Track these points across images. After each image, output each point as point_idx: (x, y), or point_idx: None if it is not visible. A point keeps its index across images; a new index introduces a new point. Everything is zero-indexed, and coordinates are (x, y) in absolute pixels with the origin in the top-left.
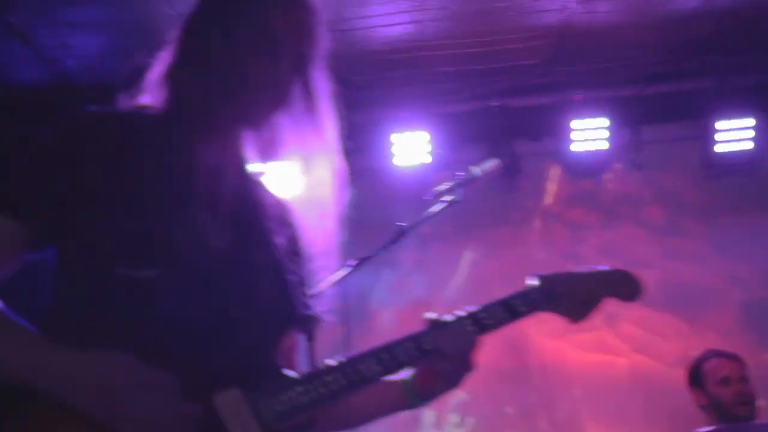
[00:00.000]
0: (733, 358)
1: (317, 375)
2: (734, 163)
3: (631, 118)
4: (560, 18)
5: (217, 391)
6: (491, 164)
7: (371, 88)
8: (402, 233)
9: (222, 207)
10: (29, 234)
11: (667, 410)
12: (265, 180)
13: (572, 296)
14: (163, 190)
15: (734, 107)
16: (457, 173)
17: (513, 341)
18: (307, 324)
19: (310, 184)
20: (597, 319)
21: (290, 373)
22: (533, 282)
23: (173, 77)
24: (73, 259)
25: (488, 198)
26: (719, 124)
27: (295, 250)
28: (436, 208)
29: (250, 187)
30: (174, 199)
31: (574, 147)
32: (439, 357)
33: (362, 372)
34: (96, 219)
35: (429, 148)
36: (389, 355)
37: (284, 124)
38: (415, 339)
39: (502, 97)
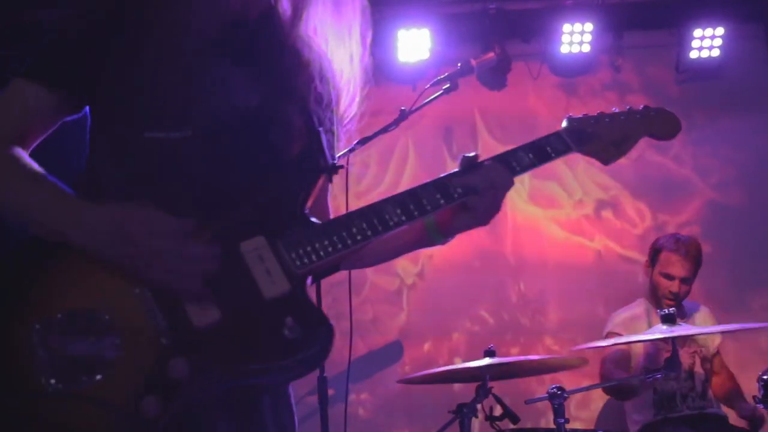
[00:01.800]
0: (686, 256)
1: (342, 222)
2: (704, 68)
3: (615, 23)
4: None
5: (242, 239)
6: (485, 60)
7: None
8: (404, 115)
9: (252, 63)
10: (64, 99)
11: (625, 293)
12: (297, 39)
13: (604, 137)
14: (192, 47)
15: (708, 17)
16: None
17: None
18: (333, 173)
19: (337, 46)
20: (573, 205)
21: (315, 221)
22: (563, 124)
23: None
24: (104, 122)
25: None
26: (695, 33)
27: (325, 105)
28: (434, 95)
29: (281, 42)
30: (203, 57)
31: (563, 49)
32: (471, 193)
33: (386, 221)
34: (125, 80)
35: (429, 44)
36: (414, 203)
37: None
38: (442, 184)
39: (499, 0)
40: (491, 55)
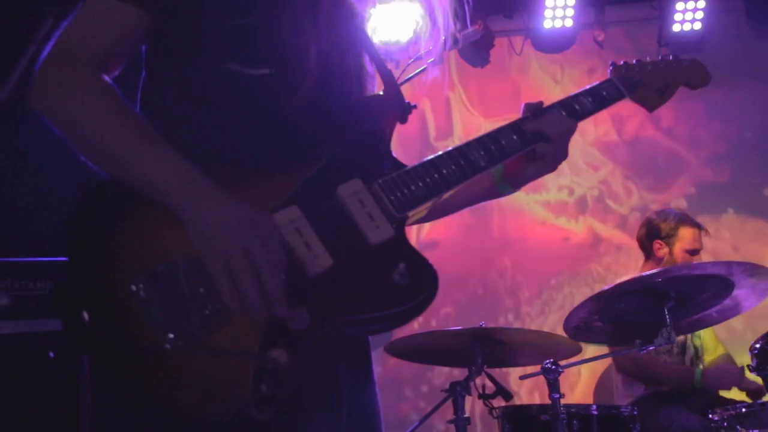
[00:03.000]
0: (704, 231)
1: (432, 165)
2: (687, 41)
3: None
4: None
5: (338, 183)
6: (469, 32)
7: None
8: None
9: (321, 13)
10: (150, 23)
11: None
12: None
13: (650, 84)
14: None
15: None
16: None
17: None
18: (408, 113)
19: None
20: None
21: (405, 164)
22: (610, 73)
23: None
24: (185, 53)
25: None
26: (677, 6)
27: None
28: (418, 69)
29: (344, 7)
30: (291, 7)
31: (546, 24)
32: (541, 140)
33: (473, 162)
34: (211, 11)
35: (417, 22)
36: (495, 144)
37: None
38: (516, 127)
39: None
40: (476, 26)
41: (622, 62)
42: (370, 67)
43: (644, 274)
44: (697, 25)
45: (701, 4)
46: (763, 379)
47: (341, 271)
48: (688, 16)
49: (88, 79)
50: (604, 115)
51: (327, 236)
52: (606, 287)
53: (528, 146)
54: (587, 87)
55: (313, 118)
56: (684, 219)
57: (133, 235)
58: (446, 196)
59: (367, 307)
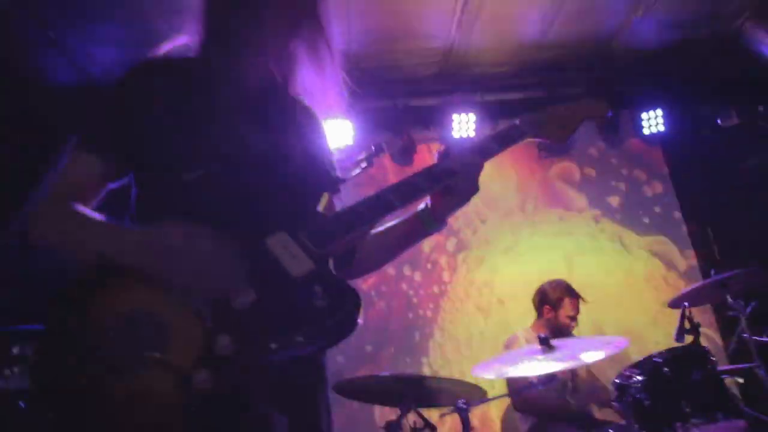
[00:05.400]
0: (580, 299)
1: (351, 208)
2: (556, 146)
3: (492, 116)
4: (444, 43)
5: (267, 236)
6: (395, 142)
7: None
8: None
9: (258, 111)
10: (114, 167)
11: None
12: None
13: (553, 122)
14: (214, 109)
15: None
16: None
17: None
18: (336, 185)
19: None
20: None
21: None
22: (517, 121)
23: (206, 18)
24: (146, 177)
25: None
26: None
27: (321, 137)
28: (355, 171)
29: (279, 94)
30: (222, 115)
31: (455, 134)
32: (451, 176)
33: (387, 201)
34: (163, 143)
35: (352, 133)
36: (408, 186)
37: (299, 52)
38: (427, 170)
39: (405, 97)
40: (404, 138)
41: (527, 112)
42: (300, 148)
43: None
44: None
45: None
46: (622, 408)
47: (267, 303)
48: None
49: (61, 212)
50: None
51: (254, 276)
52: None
53: (440, 183)
54: (496, 131)
55: (249, 197)
56: (566, 290)
57: (100, 297)
58: (375, 229)
59: (289, 330)
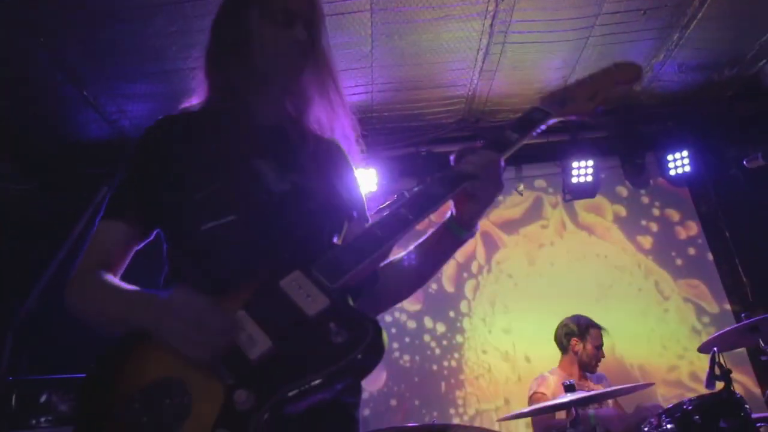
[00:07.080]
0: (602, 330)
1: (363, 235)
2: (582, 190)
3: (514, 158)
4: (467, 90)
5: (282, 278)
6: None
7: None
8: None
9: (278, 156)
10: (138, 228)
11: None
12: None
13: (580, 95)
14: (228, 155)
15: (582, 153)
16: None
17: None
18: (351, 213)
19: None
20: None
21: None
22: (538, 103)
23: (211, 73)
24: (171, 233)
25: None
26: (574, 164)
27: (341, 168)
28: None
29: (298, 136)
30: (237, 159)
31: None
32: (467, 179)
33: (399, 217)
34: (181, 196)
35: (376, 180)
36: (422, 197)
37: (310, 89)
38: (441, 176)
39: (428, 144)
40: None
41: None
42: (320, 185)
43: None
44: (589, 178)
45: (590, 162)
46: None
47: (285, 348)
48: (582, 171)
49: (87, 281)
50: None
51: (268, 323)
52: None
53: (456, 187)
54: (516, 117)
55: (266, 243)
56: (589, 322)
57: (126, 367)
58: (399, 253)
59: (307, 372)
